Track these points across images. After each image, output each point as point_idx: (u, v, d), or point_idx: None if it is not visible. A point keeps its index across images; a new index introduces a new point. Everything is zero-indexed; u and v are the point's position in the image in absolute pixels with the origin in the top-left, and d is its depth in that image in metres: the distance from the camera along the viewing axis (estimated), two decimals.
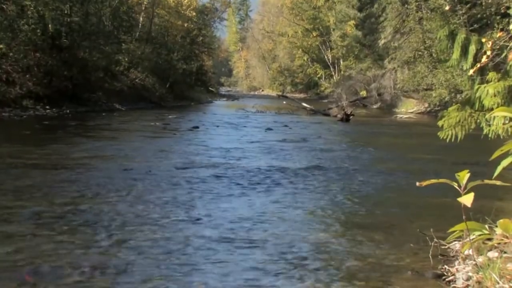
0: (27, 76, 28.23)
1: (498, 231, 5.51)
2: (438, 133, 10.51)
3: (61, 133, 18.92)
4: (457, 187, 2.75)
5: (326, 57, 77.37)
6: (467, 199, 2.63)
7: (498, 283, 4.71)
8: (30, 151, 13.94)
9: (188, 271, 6.07)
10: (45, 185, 10.01)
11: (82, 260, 6.25)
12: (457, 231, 2.88)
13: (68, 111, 28.38)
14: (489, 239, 5.97)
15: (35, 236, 7.04)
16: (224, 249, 6.80)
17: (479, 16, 31.04)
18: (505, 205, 8.84)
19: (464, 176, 2.74)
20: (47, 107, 27.77)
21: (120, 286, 5.55)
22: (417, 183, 2.95)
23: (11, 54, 27.97)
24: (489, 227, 3.24)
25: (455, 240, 6.58)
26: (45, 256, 6.31)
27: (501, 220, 2.55)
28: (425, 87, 41.12)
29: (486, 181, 2.73)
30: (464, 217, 2.71)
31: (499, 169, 2.71)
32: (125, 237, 7.15)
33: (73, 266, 6.05)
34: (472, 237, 2.71)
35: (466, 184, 2.74)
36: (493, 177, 2.75)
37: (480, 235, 2.73)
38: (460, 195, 2.80)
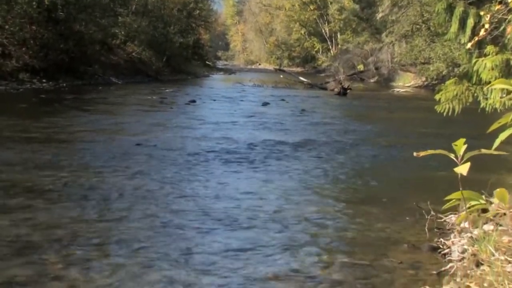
0: (23, 49, 28.04)
1: (495, 201, 5.54)
2: (435, 107, 10.52)
3: (57, 107, 18.87)
4: (453, 158, 2.75)
5: (323, 30, 77.05)
6: (463, 169, 2.64)
7: (493, 255, 4.74)
8: (27, 125, 13.91)
9: (184, 247, 6.10)
10: (42, 158, 10.01)
11: (81, 233, 6.27)
12: (453, 200, 2.89)
13: (64, 84, 28.25)
14: (485, 211, 6.00)
15: (32, 209, 7.05)
16: (219, 223, 6.82)
17: None
18: (501, 178, 8.86)
19: (460, 146, 2.74)
20: (44, 80, 27.63)
21: (117, 258, 5.57)
22: (414, 153, 2.95)
23: (6, 27, 27.75)
24: (485, 199, 3.26)
25: (451, 213, 6.61)
26: (42, 228, 6.33)
27: (498, 190, 2.56)
28: (422, 61, 41.01)
29: (484, 151, 2.73)
30: (460, 187, 2.72)
31: (497, 142, 2.70)
32: (123, 210, 7.17)
33: (71, 238, 6.07)
34: (468, 206, 2.72)
35: (463, 154, 2.73)
36: (492, 149, 2.75)
37: (475, 204, 2.73)
38: (457, 166, 2.80)
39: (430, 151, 3.01)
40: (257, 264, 5.53)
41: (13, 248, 5.68)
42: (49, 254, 5.57)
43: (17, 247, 5.72)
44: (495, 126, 2.69)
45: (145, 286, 4.93)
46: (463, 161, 2.89)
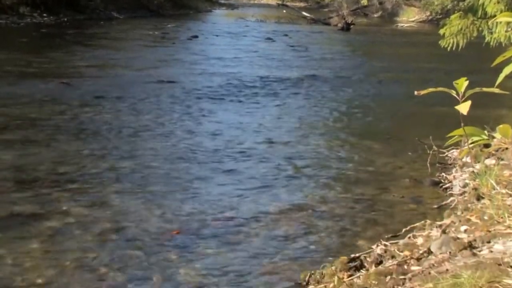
0: None
1: (497, 136, 5.56)
2: (440, 42, 10.43)
3: (59, 41, 18.69)
4: (455, 95, 2.74)
5: None
6: (463, 107, 2.63)
7: (494, 189, 4.79)
8: (28, 59, 13.82)
9: (190, 180, 6.17)
10: (45, 93, 9.99)
11: (85, 168, 6.33)
12: (456, 137, 2.89)
13: (65, 19, 27.87)
14: (487, 146, 6.03)
15: (36, 144, 7.09)
16: (225, 158, 6.87)
17: None
18: (504, 114, 8.87)
19: (462, 84, 2.72)
20: (44, 14, 27.23)
21: (122, 193, 5.63)
22: (415, 92, 2.94)
23: None
24: (488, 134, 3.27)
25: (453, 148, 6.64)
26: (46, 163, 6.38)
27: (500, 125, 2.56)
28: None
29: (485, 89, 2.71)
30: (462, 124, 2.72)
31: (501, 76, 2.68)
32: (127, 146, 7.21)
33: (75, 173, 6.12)
34: (470, 141, 2.73)
35: (465, 92, 2.72)
36: (495, 85, 2.74)
37: (478, 140, 2.74)
38: (458, 104, 2.80)
39: (430, 89, 3.00)
40: (259, 200, 5.60)
41: (18, 183, 5.74)
42: (54, 189, 5.64)
43: (21, 182, 5.78)
44: (499, 59, 2.67)
45: (150, 220, 5.01)
46: (464, 99, 2.88)
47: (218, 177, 6.22)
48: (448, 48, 10.25)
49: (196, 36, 22.68)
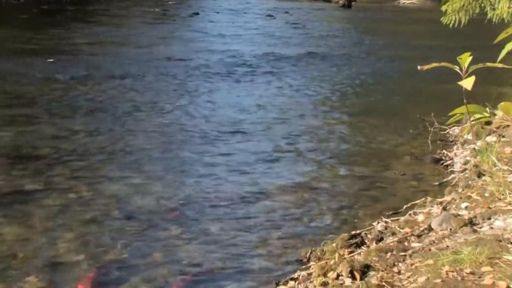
0: None
1: (498, 114, 5.54)
2: (442, 19, 10.35)
3: (60, 18, 18.58)
4: (458, 71, 2.73)
5: None
6: (467, 83, 2.61)
7: (495, 166, 4.80)
8: (29, 36, 13.73)
9: (189, 158, 6.17)
10: (46, 70, 9.96)
11: (87, 145, 6.33)
12: (457, 115, 2.88)
13: None
14: (489, 123, 6.02)
15: (36, 120, 7.09)
16: (224, 137, 6.86)
17: None
18: (506, 91, 8.85)
19: (465, 59, 2.70)
20: None
21: (123, 170, 5.65)
22: (418, 67, 2.93)
23: None
24: (489, 112, 3.26)
25: (454, 125, 6.64)
26: (48, 140, 6.38)
27: (502, 103, 2.55)
28: None
29: (488, 64, 2.69)
30: (465, 101, 2.71)
31: (503, 52, 2.67)
32: (128, 123, 7.21)
33: (77, 150, 6.13)
34: (472, 119, 2.72)
35: (468, 67, 2.71)
36: (497, 60, 2.72)
37: (480, 117, 2.73)
38: (461, 80, 2.78)
39: (434, 64, 2.98)
40: (260, 178, 5.61)
41: (20, 160, 5.75)
42: (54, 166, 5.65)
43: (23, 159, 5.79)
44: (502, 36, 2.66)
45: (150, 198, 5.02)
46: (467, 74, 2.87)
47: (218, 155, 6.22)
48: (450, 25, 10.18)
49: (197, 13, 22.55)
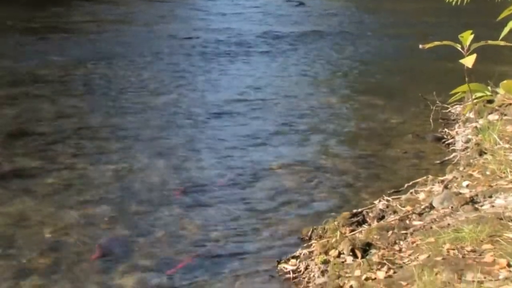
0: None
1: (500, 92, 5.53)
2: None
3: None
4: (460, 49, 2.72)
5: None
6: (468, 60, 2.61)
7: (497, 144, 4.79)
8: (29, 14, 13.65)
9: (193, 136, 6.18)
10: (47, 49, 9.94)
11: (89, 124, 6.34)
12: (459, 93, 2.88)
13: None
14: (491, 102, 6.01)
15: (37, 99, 7.09)
16: (226, 115, 6.86)
17: None
18: (508, 69, 8.80)
19: (467, 37, 2.70)
20: None
21: (126, 148, 5.65)
22: (420, 46, 2.92)
23: None
24: (491, 90, 3.26)
25: (456, 104, 6.62)
26: (49, 119, 6.38)
27: (504, 81, 2.55)
28: None
29: (490, 42, 2.69)
30: (466, 79, 2.71)
31: (506, 30, 2.67)
32: (131, 101, 7.21)
33: (79, 129, 6.13)
34: (474, 98, 2.72)
35: (470, 45, 2.70)
36: (500, 38, 2.72)
37: (481, 96, 2.73)
38: (463, 58, 2.78)
39: (435, 43, 2.97)
40: (262, 156, 5.62)
41: (21, 137, 5.76)
42: (57, 143, 5.66)
43: (25, 137, 5.80)
44: (505, 13, 2.65)
45: (154, 176, 5.03)
46: (469, 52, 2.86)
47: (221, 133, 6.23)
48: (453, 3, 10.11)
49: None
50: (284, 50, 11.00)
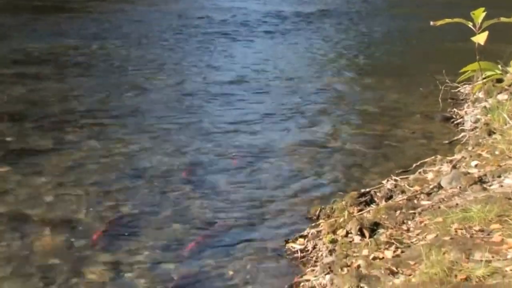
0: None
1: (510, 71, 5.49)
2: None
3: None
4: (471, 27, 2.69)
5: None
6: (480, 37, 2.58)
7: (506, 124, 4.76)
8: None
9: (201, 117, 6.17)
10: (53, 28, 9.93)
11: (96, 103, 6.34)
12: (469, 72, 2.86)
13: None
14: (500, 81, 5.95)
15: (45, 79, 7.09)
16: (234, 97, 6.84)
17: None
18: None
19: (479, 14, 2.67)
20: None
21: (132, 129, 5.65)
22: (431, 23, 2.89)
23: None
24: (502, 69, 3.23)
25: (465, 83, 6.57)
26: (57, 100, 6.39)
27: None
28: None
29: (503, 19, 2.66)
30: (477, 57, 2.68)
31: None
32: (139, 81, 7.20)
33: (86, 109, 6.14)
34: (483, 77, 2.69)
35: (482, 23, 2.68)
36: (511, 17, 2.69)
37: (491, 75, 2.71)
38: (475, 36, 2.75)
39: (447, 20, 2.95)
40: (270, 136, 5.61)
41: (30, 117, 5.76)
42: (66, 123, 5.67)
43: (33, 116, 5.80)
44: None
45: (162, 156, 5.03)
46: (481, 30, 2.83)
47: (229, 114, 6.22)
48: None
49: None
50: (292, 30, 10.96)
